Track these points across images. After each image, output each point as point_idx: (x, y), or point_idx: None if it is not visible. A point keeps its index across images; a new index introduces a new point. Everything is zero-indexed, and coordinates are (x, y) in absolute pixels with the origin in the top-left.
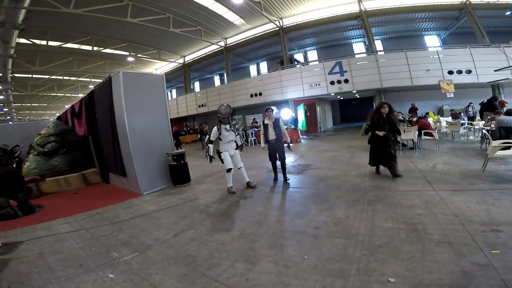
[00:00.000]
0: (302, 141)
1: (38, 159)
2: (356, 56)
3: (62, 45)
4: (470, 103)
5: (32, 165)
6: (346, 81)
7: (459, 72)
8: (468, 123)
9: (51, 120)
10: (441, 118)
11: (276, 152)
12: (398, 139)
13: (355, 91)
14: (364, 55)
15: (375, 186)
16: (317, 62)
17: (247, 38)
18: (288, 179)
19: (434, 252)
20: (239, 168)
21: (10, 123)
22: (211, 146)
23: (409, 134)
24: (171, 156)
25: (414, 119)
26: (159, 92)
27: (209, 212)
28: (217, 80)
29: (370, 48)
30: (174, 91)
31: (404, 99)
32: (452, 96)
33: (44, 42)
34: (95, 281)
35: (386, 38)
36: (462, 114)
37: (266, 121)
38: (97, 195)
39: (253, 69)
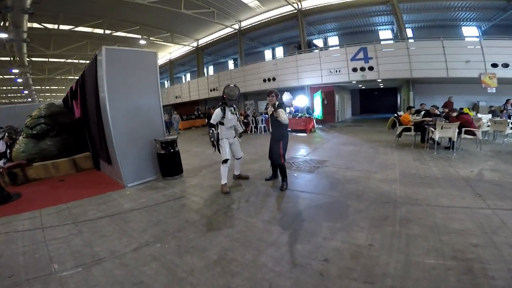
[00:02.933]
0: (318, 131)
1: (27, 141)
2: (384, 42)
3: (73, 29)
4: (508, 100)
5: (21, 148)
6: (370, 68)
7: (505, 65)
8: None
9: None
10: (481, 115)
11: (271, 149)
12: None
13: (380, 80)
14: (395, 42)
15: (409, 197)
16: (338, 47)
17: (262, 21)
18: (285, 188)
19: None
20: (238, 159)
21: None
22: (214, 129)
23: (448, 132)
24: (159, 143)
25: (454, 114)
26: (150, 71)
27: (189, 218)
28: (231, 64)
29: (400, 36)
30: (188, 75)
31: (434, 92)
32: (494, 91)
33: (55, 26)
34: None
35: (417, 27)
36: (504, 111)
37: (269, 109)
38: (81, 184)
39: (268, 54)
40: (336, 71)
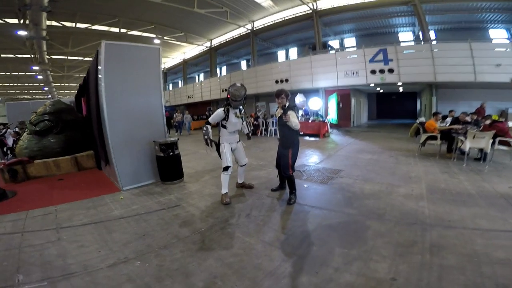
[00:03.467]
0: (332, 136)
1: (30, 138)
2: (406, 44)
3: (89, 27)
4: None
5: (24, 144)
6: (390, 71)
7: None
8: None
9: None
10: None
11: (279, 157)
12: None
13: (400, 83)
14: (415, 44)
15: (440, 218)
16: (355, 49)
17: (275, 21)
18: (293, 202)
19: None
20: (242, 166)
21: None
22: (209, 127)
23: (480, 142)
24: (158, 145)
25: (487, 122)
26: (152, 68)
27: (179, 233)
28: (244, 65)
29: (424, 37)
30: (202, 75)
31: (459, 98)
32: None
33: (73, 25)
34: None
35: (441, 29)
36: None
37: (277, 111)
38: (78, 184)
39: (281, 55)
40: (353, 73)
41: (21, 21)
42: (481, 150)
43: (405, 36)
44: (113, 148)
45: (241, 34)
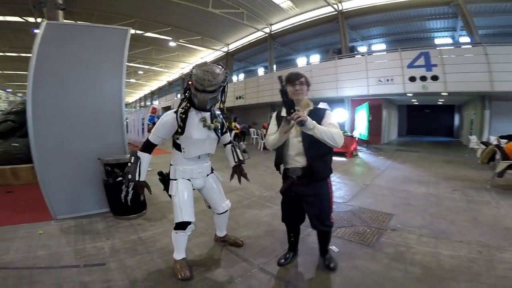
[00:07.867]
0: (360, 155)
1: None
2: (453, 47)
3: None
4: None
5: None
6: (434, 78)
7: None
8: None
9: None
10: None
11: (298, 202)
12: None
13: (446, 93)
14: (469, 46)
15: None
16: (385, 53)
17: (295, 24)
18: (332, 266)
19: None
20: (220, 214)
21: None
22: (144, 156)
23: None
24: (104, 165)
25: None
26: (114, 58)
27: None
28: (261, 72)
29: (473, 40)
30: None
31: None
32: None
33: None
34: None
35: (484, 34)
36: None
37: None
38: (19, 202)
39: (301, 62)
40: (387, 80)
41: (38, 20)
42: None
43: (442, 42)
44: (38, 160)
45: (259, 38)
